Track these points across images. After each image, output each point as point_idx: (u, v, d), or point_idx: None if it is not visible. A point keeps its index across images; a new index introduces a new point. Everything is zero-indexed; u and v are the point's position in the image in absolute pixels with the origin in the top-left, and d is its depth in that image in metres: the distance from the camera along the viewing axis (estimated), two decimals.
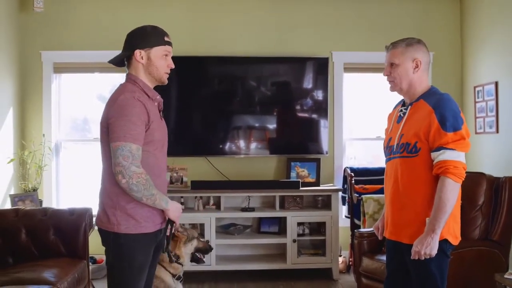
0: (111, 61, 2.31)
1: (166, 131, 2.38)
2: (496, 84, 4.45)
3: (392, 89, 2.45)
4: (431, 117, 2.23)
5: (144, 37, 2.22)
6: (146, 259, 2.22)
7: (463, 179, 2.22)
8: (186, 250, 3.11)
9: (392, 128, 2.49)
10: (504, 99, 4.36)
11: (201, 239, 3.30)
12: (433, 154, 2.23)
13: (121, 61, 2.31)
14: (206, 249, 3.33)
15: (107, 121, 2.12)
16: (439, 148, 2.20)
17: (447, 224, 2.21)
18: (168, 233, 2.31)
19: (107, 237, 2.18)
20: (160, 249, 2.38)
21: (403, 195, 2.33)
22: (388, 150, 2.47)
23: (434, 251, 2.17)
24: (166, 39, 2.26)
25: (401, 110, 2.46)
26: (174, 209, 2.24)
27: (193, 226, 4.66)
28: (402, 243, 2.35)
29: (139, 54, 2.21)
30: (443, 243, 2.22)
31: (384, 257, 3.69)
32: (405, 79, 2.36)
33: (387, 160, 2.49)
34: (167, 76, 2.30)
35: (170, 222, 2.28)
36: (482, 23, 4.73)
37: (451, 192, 2.18)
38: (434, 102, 2.27)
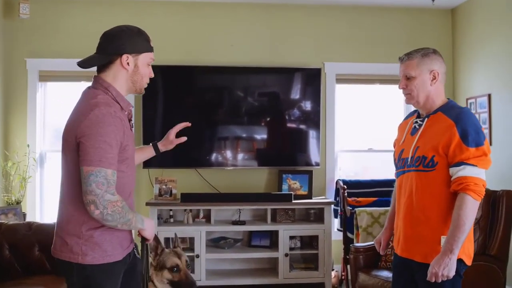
0: (82, 65, 1.97)
1: (134, 142, 2.13)
2: (489, 96, 4.43)
3: (408, 101, 2.34)
4: (451, 130, 2.13)
5: (134, 41, 1.96)
6: (117, 286, 1.99)
7: (483, 197, 2.13)
8: (157, 281, 2.50)
9: (405, 140, 2.39)
10: (497, 111, 4.35)
11: (176, 270, 2.48)
12: (452, 170, 2.13)
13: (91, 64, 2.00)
14: (182, 284, 2.48)
15: (77, 138, 1.82)
16: (460, 164, 2.10)
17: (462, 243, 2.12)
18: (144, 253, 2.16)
19: (69, 268, 1.89)
20: (134, 272, 2.12)
21: (417, 210, 2.23)
22: (401, 162, 2.36)
23: (452, 272, 2.06)
24: (151, 45, 2.05)
25: (416, 122, 2.36)
26: (149, 228, 2.02)
27: (183, 240, 4.53)
28: (413, 261, 2.25)
29: (126, 59, 1.94)
30: (458, 263, 2.11)
31: (381, 273, 3.63)
32: (422, 91, 2.26)
33: (400, 173, 2.38)
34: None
35: (143, 240, 2.08)
36: (474, 35, 4.72)
37: (471, 211, 2.08)
38: (455, 116, 2.18)
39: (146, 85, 2.07)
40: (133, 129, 2.09)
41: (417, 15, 5.07)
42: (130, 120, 2.05)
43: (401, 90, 2.36)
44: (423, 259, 2.19)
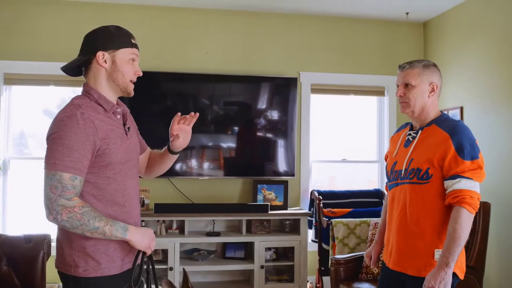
0: (64, 68, 1.93)
1: (136, 148, 2.03)
2: (461, 109, 4.52)
3: (403, 110, 2.34)
4: (447, 143, 2.14)
5: (108, 37, 1.88)
6: None
7: (477, 210, 2.14)
8: None
9: (398, 152, 2.38)
10: (470, 124, 4.41)
11: None
12: (447, 182, 2.13)
13: (77, 69, 1.94)
14: None
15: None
16: (455, 176, 2.10)
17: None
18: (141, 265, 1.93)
19: (66, 281, 1.84)
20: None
21: (411, 223, 2.22)
22: (395, 174, 2.34)
23: (448, 287, 2.05)
24: (133, 41, 1.95)
25: (409, 134, 2.35)
26: (138, 239, 1.84)
27: (155, 252, 4.38)
28: (406, 275, 2.23)
29: (102, 56, 1.86)
30: (452, 277, 2.10)
31: (362, 285, 3.61)
32: (420, 102, 2.27)
33: (394, 186, 2.36)
34: (133, 86, 1.95)
35: (143, 253, 1.91)
36: (446, 49, 4.82)
37: (466, 224, 2.08)
38: (450, 129, 2.18)
39: (131, 85, 1.94)
40: (130, 134, 1.98)
41: (391, 28, 5.14)
42: (125, 124, 1.96)
43: (398, 98, 2.35)
44: (417, 272, 2.18)
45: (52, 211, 1.68)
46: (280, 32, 4.95)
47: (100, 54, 1.86)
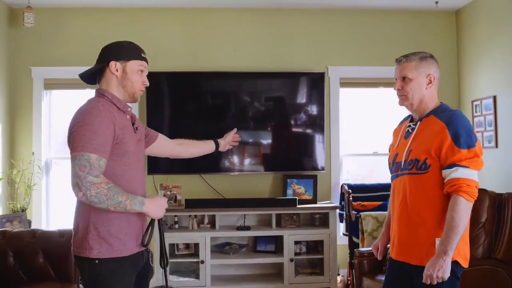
0: (81, 76, 2.19)
1: (143, 147, 2.27)
2: (495, 98, 4.39)
3: (402, 103, 2.35)
4: (443, 133, 2.14)
5: (121, 50, 2.15)
6: (126, 286, 2.06)
7: (476, 198, 2.13)
8: None
9: (399, 144, 2.39)
10: (503, 113, 4.30)
11: None
12: (445, 172, 2.13)
13: (92, 77, 2.19)
14: None
15: (69, 134, 2.00)
16: (452, 165, 2.11)
17: (456, 245, 2.11)
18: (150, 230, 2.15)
19: (82, 263, 2.02)
20: (149, 275, 2.23)
21: (412, 213, 2.23)
22: (395, 166, 2.36)
23: (447, 274, 2.06)
24: (142, 55, 2.19)
25: (409, 126, 2.37)
26: (154, 209, 2.07)
27: (187, 246, 4.54)
28: (410, 264, 2.24)
29: (114, 65, 2.11)
30: (454, 265, 2.11)
31: None
32: (418, 94, 2.28)
33: (394, 177, 2.38)
34: (141, 93, 2.21)
35: (152, 221, 2.13)
36: (478, 37, 4.69)
37: (464, 212, 2.08)
38: (446, 118, 2.18)
39: (139, 92, 2.19)
40: (137, 131, 2.20)
41: (421, 18, 5.05)
42: (133, 124, 2.19)
43: (396, 91, 2.36)
44: (419, 262, 2.19)
45: (81, 187, 1.86)
46: (306, 28, 4.98)
47: (112, 63, 2.11)
